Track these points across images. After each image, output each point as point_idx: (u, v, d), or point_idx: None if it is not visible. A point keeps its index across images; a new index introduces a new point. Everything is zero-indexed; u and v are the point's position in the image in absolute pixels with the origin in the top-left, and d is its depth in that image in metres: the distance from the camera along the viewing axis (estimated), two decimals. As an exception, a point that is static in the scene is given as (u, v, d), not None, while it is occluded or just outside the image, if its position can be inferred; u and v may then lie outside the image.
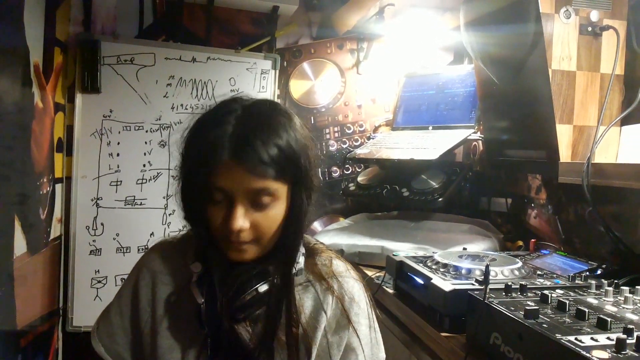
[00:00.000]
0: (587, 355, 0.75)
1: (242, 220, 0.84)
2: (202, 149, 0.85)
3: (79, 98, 1.96)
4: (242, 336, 0.88)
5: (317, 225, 2.23)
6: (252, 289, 0.86)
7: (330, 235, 1.92)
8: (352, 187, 2.15)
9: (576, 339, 0.81)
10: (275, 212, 0.87)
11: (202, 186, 0.85)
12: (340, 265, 0.99)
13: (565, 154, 1.41)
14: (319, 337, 0.91)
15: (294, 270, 0.91)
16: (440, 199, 1.82)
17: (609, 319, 0.85)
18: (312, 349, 0.90)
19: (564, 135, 1.41)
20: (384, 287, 1.50)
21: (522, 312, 0.92)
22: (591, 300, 1.03)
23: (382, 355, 0.99)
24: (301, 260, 0.94)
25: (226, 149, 0.83)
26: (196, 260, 0.90)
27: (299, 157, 0.86)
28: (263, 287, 0.87)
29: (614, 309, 0.97)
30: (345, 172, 2.35)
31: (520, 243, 1.74)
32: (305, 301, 0.93)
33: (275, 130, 0.85)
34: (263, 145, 0.82)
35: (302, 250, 0.96)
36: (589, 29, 1.40)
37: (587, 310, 0.91)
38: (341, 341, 0.93)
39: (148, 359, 0.93)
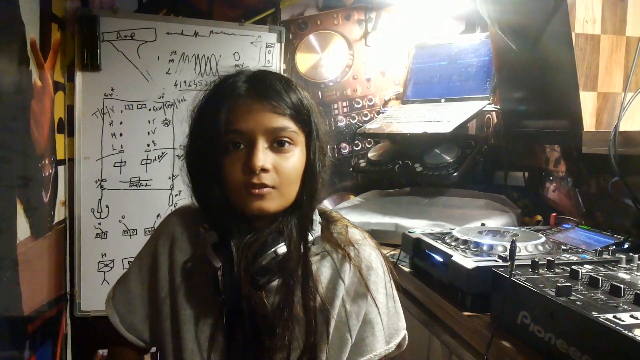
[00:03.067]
0: (630, 334, 0.70)
1: (263, 157, 0.82)
2: (214, 105, 0.85)
3: (78, 76, 1.90)
4: (260, 303, 0.84)
5: (327, 203, 2.17)
6: (271, 251, 0.84)
7: (342, 214, 1.86)
8: (362, 163, 2.09)
9: (615, 317, 0.76)
10: (295, 160, 0.85)
11: (217, 135, 0.82)
12: (356, 233, 0.97)
13: (589, 123, 1.34)
14: (337, 306, 0.88)
15: (311, 238, 0.88)
16: (455, 174, 1.76)
17: (647, 296, 0.80)
18: (330, 320, 0.87)
19: (587, 103, 1.34)
20: (400, 266, 1.45)
21: (553, 290, 0.88)
22: (623, 275, 0.98)
23: (402, 324, 0.95)
24: (318, 228, 0.91)
25: (243, 88, 0.84)
26: (211, 229, 0.87)
27: (309, 112, 0.87)
28: (282, 249, 0.84)
29: (649, 284, 0.92)
30: (355, 148, 2.28)
31: (539, 218, 1.68)
32: (323, 271, 0.91)
33: (287, 83, 0.87)
34: (280, 85, 0.84)
35: (319, 219, 0.93)
36: (615, -11, 1.32)
37: (622, 286, 0.86)
38: (360, 310, 0.90)
39: (164, 330, 0.90)
